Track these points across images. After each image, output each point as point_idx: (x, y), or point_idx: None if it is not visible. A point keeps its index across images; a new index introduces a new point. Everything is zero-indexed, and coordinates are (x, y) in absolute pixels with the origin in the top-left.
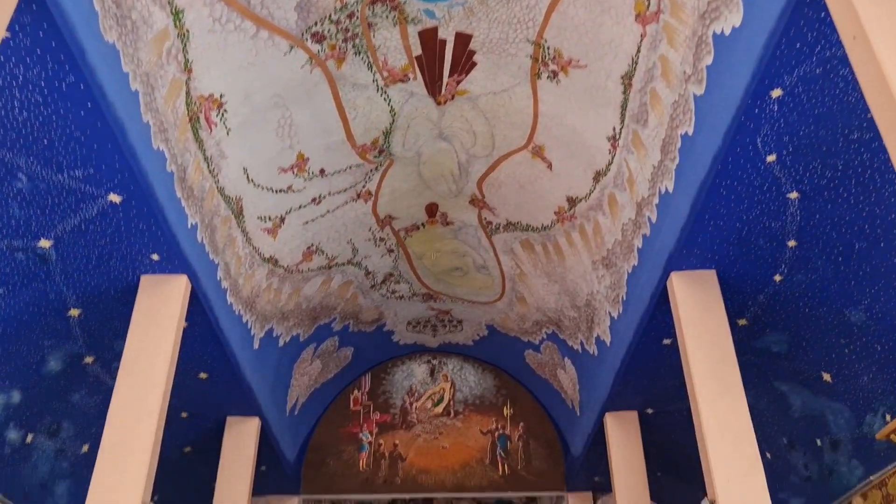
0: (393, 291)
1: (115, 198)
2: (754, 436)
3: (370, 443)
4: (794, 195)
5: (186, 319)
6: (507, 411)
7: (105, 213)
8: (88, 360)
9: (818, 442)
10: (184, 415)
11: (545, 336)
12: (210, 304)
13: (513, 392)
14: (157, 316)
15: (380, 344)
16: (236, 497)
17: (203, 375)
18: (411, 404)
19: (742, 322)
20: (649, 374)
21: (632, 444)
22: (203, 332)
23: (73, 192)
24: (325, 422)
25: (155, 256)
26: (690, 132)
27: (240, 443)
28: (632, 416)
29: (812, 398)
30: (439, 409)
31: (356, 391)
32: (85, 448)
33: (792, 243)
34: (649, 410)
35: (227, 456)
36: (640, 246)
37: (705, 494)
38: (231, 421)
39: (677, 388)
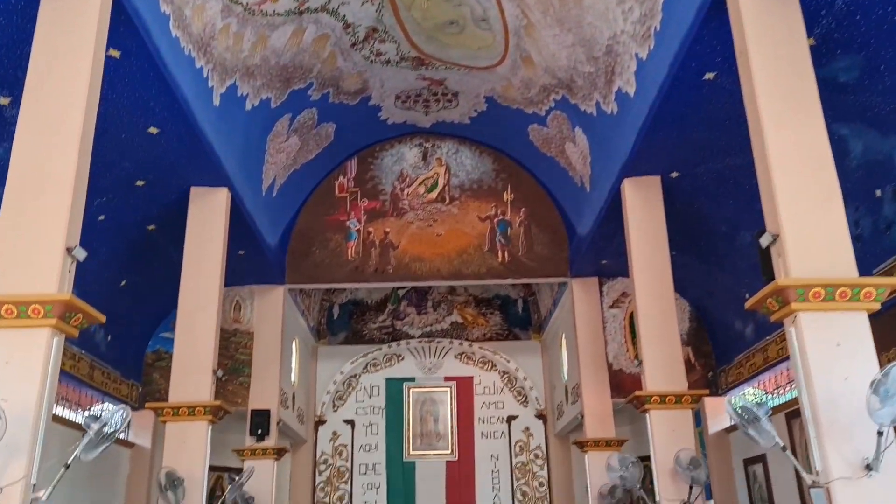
0: (378, 53)
1: None
2: (832, 159)
3: (359, 231)
4: None
5: (116, 45)
6: (507, 196)
7: None
8: (3, 101)
9: (877, 193)
10: (140, 183)
11: (553, 104)
12: (146, 28)
13: (513, 175)
14: (68, 25)
15: (365, 122)
16: (207, 277)
17: (153, 130)
18: (402, 190)
19: (808, 42)
20: (682, 123)
21: (653, 214)
22: (142, 68)
23: None
24: (308, 209)
25: None
26: None
27: (207, 216)
28: (654, 182)
29: (878, 140)
30: (433, 195)
31: (341, 177)
32: None
33: None
34: (674, 174)
35: (193, 230)
36: None
37: (763, 230)
38: (196, 192)
39: (712, 142)
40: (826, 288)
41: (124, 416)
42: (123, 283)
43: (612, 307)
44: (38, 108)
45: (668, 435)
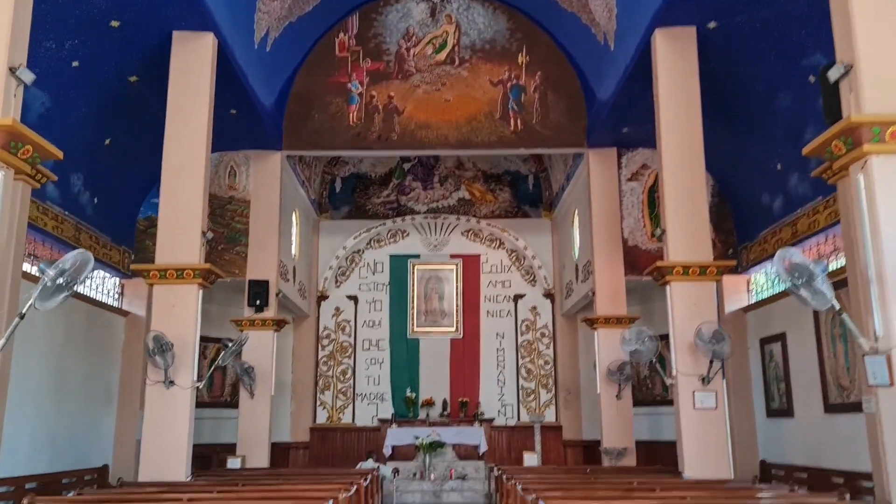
0: None
1: None
2: None
3: (361, 94)
4: None
5: None
6: (521, 59)
7: None
8: None
9: None
10: (114, 23)
11: None
12: None
13: (530, 36)
14: None
15: None
16: (193, 132)
17: None
18: (408, 50)
19: None
20: None
21: (686, 67)
22: None
23: None
24: (306, 69)
25: None
26: None
27: (191, 64)
28: (688, 34)
29: None
30: (442, 55)
31: (342, 34)
32: None
33: None
34: (711, 25)
35: (176, 80)
36: None
37: (832, 63)
38: (179, 36)
39: None
40: None
41: (81, 260)
42: (108, 141)
43: (630, 180)
44: None
45: (689, 308)
